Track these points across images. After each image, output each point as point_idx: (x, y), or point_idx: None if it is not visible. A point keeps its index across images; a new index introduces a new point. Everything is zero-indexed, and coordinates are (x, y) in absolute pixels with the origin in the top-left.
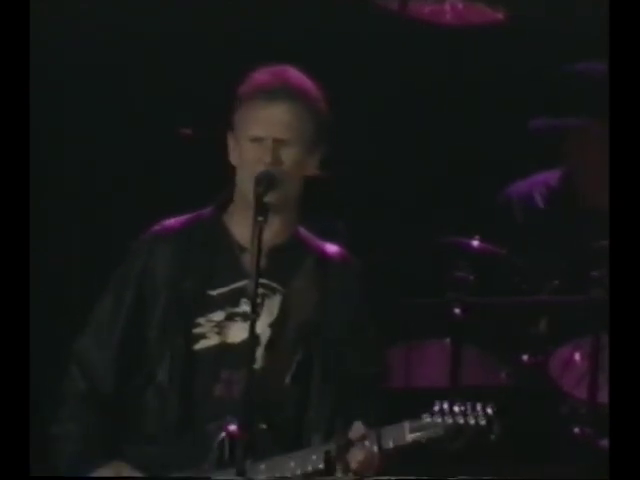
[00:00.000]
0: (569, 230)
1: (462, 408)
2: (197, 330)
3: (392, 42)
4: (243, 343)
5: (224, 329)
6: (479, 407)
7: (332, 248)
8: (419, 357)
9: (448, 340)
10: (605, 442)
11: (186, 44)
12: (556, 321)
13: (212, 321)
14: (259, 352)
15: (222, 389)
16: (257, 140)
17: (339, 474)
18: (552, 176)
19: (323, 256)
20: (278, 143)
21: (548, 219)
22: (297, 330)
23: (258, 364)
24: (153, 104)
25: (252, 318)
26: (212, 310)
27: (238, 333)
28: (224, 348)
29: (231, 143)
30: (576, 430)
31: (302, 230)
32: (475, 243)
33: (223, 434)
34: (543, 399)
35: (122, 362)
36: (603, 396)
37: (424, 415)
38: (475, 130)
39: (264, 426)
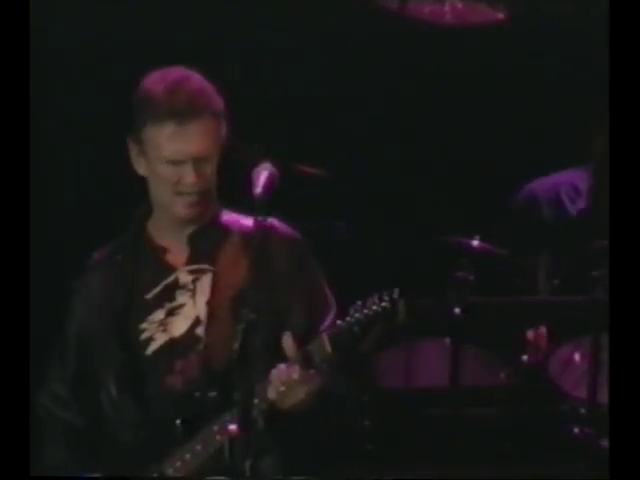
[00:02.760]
0: (569, 230)
1: (369, 302)
2: (143, 336)
3: (391, 42)
4: (189, 329)
5: (168, 325)
6: (385, 294)
7: (250, 222)
8: (419, 357)
9: (448, 340)
10: (605, 442)
11: (186, 44)
12: (556, 321)
13: (155, 322)
14: (201, 330)
15: (180, 380)
16: (175, 163)
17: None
18: (578, 177)
19: (246, 231)
20: (196, 162)
21: (571, 219)
22: (232, 302)
23: (203, 342)
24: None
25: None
26: (151, 312)
27: (182, 323)
28: (173, 342)
29: (134, 151)
30: (576, 430)
31: (226, 212)
32: (475, 243)
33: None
34: (543, 399)
35: (77, 382)
36: (603, 396)
37: (338, 321)
38: (475, 130)
39: (213, 394)
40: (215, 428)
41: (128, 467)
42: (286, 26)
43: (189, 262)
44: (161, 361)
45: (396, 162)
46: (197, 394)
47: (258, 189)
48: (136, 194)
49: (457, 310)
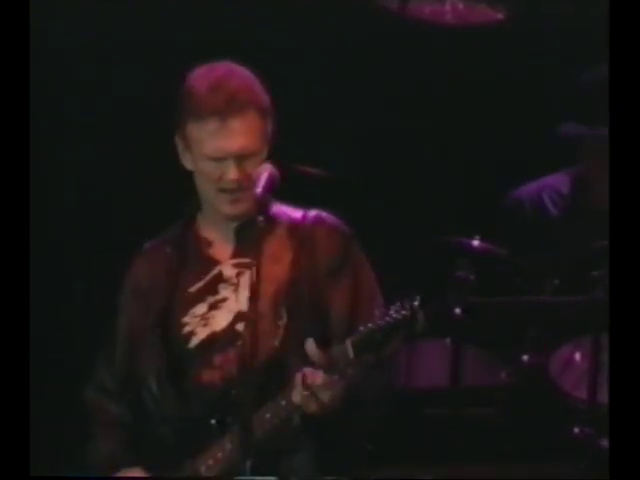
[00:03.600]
0: (569, 230)
1: (391, 309)
2: (185, 330)
3: (392, 42)
4: (231, 324)
5: (210, 319)
6: (406, 302)
7: (299, 214)
8: (419, 357)
9: (448, 340)
10: (605, 442)
11: (186, 44)
12: (556, 321)
13: (197, 316)
14: (241, 326)
15: (218, 375)
16: (217, 160)
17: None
18: (562, 180)
19: (293, 223)
20: (239, 159)
21: (556, 222)
22: (274, 297)
23: (242, 338)
24: (153, 104)
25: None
26: (193, 306)
27: (224, 318)
28: (214, 337)
29: (180, 146)
30: (576, 430)
31: (275, 205)
32: (475, 243)
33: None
34: (543, 399)
35: (125, 377)
36: (603, 396)
37: (361, 327)
38: (475, 130)
39: (250, 393)
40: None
41: (164, 463)
42: (286, 26)
43: (234, 256)
44: (201, 356)
45: (396, 162)
46: (233, 391)
47: (258, 189)
48: (135, 194)
49: (457, 310)
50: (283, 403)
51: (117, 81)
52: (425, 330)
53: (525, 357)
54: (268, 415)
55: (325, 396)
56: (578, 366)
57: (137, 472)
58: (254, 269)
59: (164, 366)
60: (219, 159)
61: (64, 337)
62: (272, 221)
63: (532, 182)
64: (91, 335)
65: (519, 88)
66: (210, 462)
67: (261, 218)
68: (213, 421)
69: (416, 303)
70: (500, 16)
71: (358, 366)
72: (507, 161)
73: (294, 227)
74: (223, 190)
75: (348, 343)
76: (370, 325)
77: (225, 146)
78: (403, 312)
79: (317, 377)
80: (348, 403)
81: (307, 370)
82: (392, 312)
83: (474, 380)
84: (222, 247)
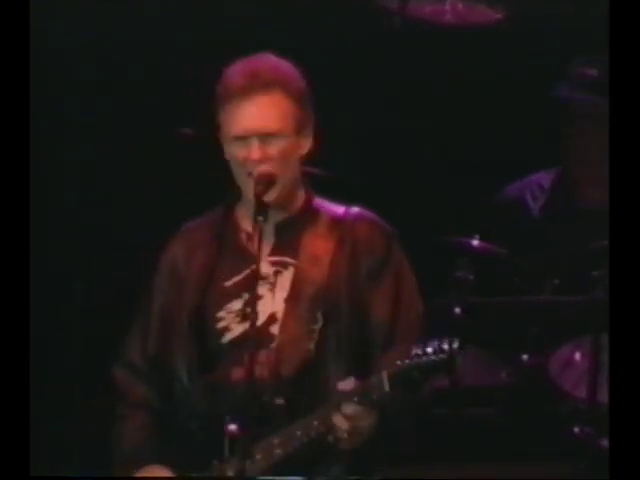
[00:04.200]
0: (569, 230)
1: (430, 349)
2: (219, 325)
3: (392, 42)
4: (265, 323)
5: (245, 315)
6: (445, 343)
7: (340, 209)
8: None
9: None
10: (605, 442)
11: (186, 44)
12: (556, 321)
13: (232, 312)
14: (276, 329)
15: (247, 374)
16: (241, 139)
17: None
18: (545, 176)
19: (335, 220)
20: (262, 138)
21: (549, 219)
22: (311, 300)
23: (277, 341)
24: (153, 104)
25: (252, 317)
26: (229, 301)
27: (259, 315)
28: (247, 335)
29: (220, 138)
30: (576, 430)
31: (317, 200)
32: (475, 242)
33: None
34: (543, 399)
35: (155, 358)
36: (603, 396)
37: (398, 362)
38: (475, 130)
39: (281, 401)
40: (275, 441)
41: (190, 460)
42: (286, 26)
43: (273, 253)
44: (232, 353)
45: (396, 162)
46: (265, 398)
47: (259, 188)
48: (135, 194)
49: (457, 310)
50: (315, 423)
51: (117, 81)
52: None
53: (525, 357)
54: (299, 433)
55: (359, 426)
56: (578, 366)
57: (156, 470)
58: (292, 269)
59: (196, 359)
60: (243, 138)
61: (64, 337)
62: (313, 216)
63: (519, 180)
64: (91, 335)
65: (519, 88)
66: (236, 469)
67: (261, 218)
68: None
69: (455, 346)
70: (500, 16)
71: (391, 399)
72: (507, 161)
73: (335, 222)
74: (250, 174)
75: (384, 375)
76: (407, 361)
77: (247, 124)
78: (441, 355)
79: (347, 408)
80: (379, 433)
81: (341, 384)
82: (430, 350)
83: (474, 380)
84: (261, 242)
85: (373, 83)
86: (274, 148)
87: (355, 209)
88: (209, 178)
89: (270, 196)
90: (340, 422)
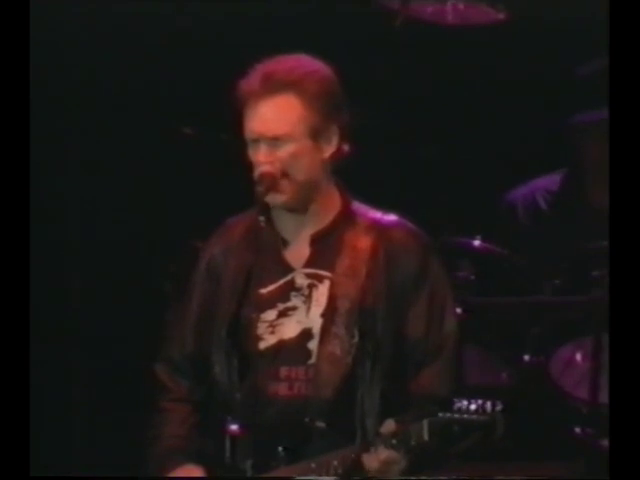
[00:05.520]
0: (569, 230)
1: (474, 406)
2: (256, 332)
3: (393, 42)
4: (299, 337)
5: (277, 327)
6: (488, 405)
7: (377, 214)
8: None
9: None
10: (605, 442)
11: (186, 44)
12: (556, 321)
13: (265, 321)
14: (313, 345)
15: (284, 389)
16: (254, 142)
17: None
18: (552, 180)
19: (372, 226)
20: (270, 141)
21: (549, 220)
22: (348, 314)
23: (314, 358)
24: (153, 104)
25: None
26: (263, 309)
27: (293, 328)
28: (281, 346)
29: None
30: (577, 430)
31: (355, 205)
32: (476, 243)
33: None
34: (544, 399)
35: (194, 355)
36: (604, 396)
37: (440, 413)
38: (476, 130)
39: (322, 424)
40: (313, 466)
41: (226, 469)
42: (286, 26)
43: (308, 264)
44: (266, 364)
45: (396, 162)
46: (307, 419)
47: (260, 189)
48: (135, 194)
49: (457, 310)
50: (353, 456)
51: (117, 81)
52: (503, 435)
53: (526, 357)
54: (335, 462)
55: (390, 470)
56: (579, 366)
57: (187, 469)
58: (328, 283)
59: (236, 366)
60: (253, 141)
61: (64, 337)
62: (350, 221)
63: (523, 185)
64: (91, 335)
65: (519, 88)
66: None
67: (262, 218)
68: (280, 449)
69: (498, 409)
70: (501, 16)
71: (428, 449)
72: (508, 161)
73: (371, 228)
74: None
75: (425, 424)
76: (449, 415)
77: (256, 127)
78: (484, 417)
79: (381, 453)
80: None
81: (383, 427)
82: (473, 408)
83: (475, 380)
84: (297, 251)
85: (373, 83)
86: (283, 152)
87: (392, 216)
88: (209, 177)
89: (279, 199)
90: (371, 463)
